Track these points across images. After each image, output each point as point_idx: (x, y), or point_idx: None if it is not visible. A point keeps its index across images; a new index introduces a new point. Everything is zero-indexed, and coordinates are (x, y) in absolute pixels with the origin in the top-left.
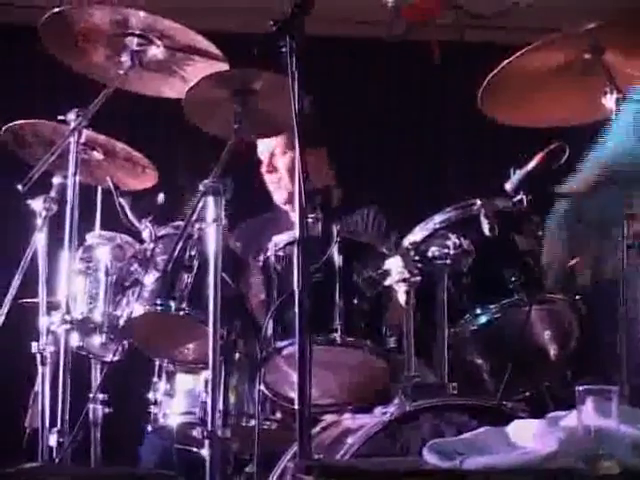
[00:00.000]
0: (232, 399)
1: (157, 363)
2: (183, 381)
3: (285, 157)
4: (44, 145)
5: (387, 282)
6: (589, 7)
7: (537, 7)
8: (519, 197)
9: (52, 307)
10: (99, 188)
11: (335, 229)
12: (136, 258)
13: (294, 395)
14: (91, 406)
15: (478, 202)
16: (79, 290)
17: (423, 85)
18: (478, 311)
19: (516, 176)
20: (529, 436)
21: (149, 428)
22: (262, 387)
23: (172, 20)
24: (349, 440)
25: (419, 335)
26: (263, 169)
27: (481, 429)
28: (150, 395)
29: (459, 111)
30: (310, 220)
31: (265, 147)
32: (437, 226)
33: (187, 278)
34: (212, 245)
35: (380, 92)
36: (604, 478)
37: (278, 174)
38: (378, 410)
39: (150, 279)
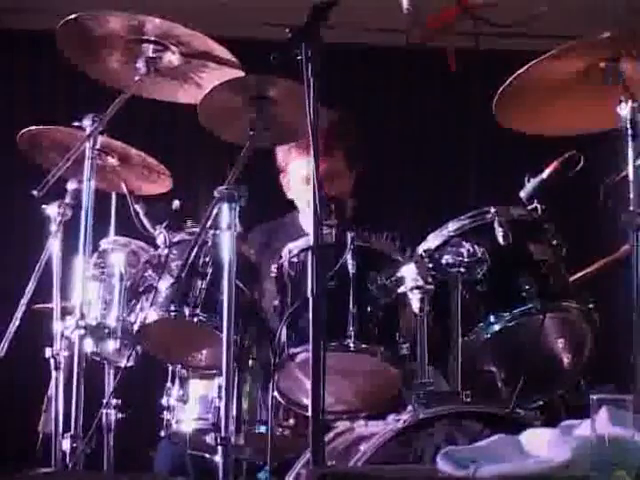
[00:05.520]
0: (245, 405)
1: (170, 369)
2: (196, 387)
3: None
4: (60, 151)
5: (401, 289)
6: (605, 15)
7: (553, 15)
8: (533, 205)
9: (66, 312)
10: (114, 194)
11: (349, 236)
12: (150, 264)
13: (307, 402)
14: (104, 411)
15: (492, 210)
16: (93, 295)
17: (441, 93)
18: (492, 319)
19: (530, 184)
20: (542, 445)
21: (162, 434)
22: (275, 393)
23: (188, 27)
24: (362, 447)
25: (432, 342)
26: None
27: (494, 437)
28: (163, 401)
29: (478, 119)
30: (325, 227)
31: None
32: (451, 234)
33: (201, 284)
34: (226, 251)
35: (396, 100)
36: None
37: None
38: (391, 417)
39: (164, 285)
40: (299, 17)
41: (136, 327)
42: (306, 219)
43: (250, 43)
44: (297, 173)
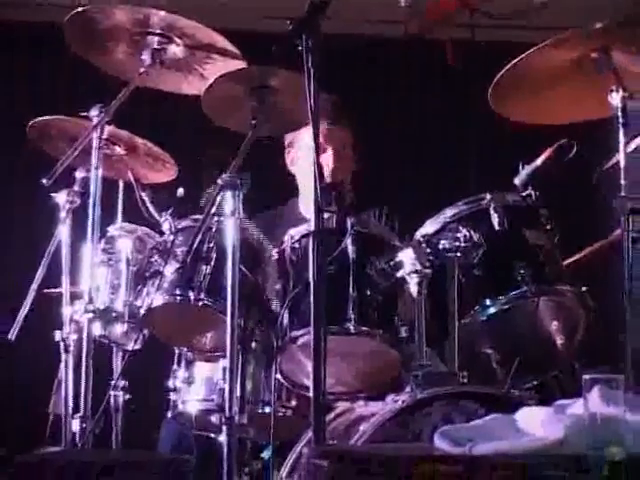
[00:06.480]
0: (249, 387)
1: (176, 351)
2: (202, 369)
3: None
4: (68, 140)
5: (399, 274)
6: (599, 7)
7: (550, 7)
8: (528, 192)
9: (75, 297)
10: (121, 182)
11: (349, 222)
12: (156, 250)
13: (309, 383)
14: (112, 393)
15: (488, 196)
16: (101, 280)
17: (440, 87)
18: (488, 302)
19: (525, 171)
20: (537, 423)
21: (168, 414)
22: (278, 375)
23: (191, 19)
24: (362, 427)
25: (430, 325)
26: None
27: (490, 416)
28: (169, 382)
29: (477, 113)
30: (325, 214)
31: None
32: (448, 219)
33: (205, 269)
34: (230, 237)
35: (394, 94)
36: (609, 464)
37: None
38: (390, 398)
39: (170, 270)
40: (298, 9)
41: (143, 311)
42: (306, 203)
43: (253, 35)
44: (305, 142)
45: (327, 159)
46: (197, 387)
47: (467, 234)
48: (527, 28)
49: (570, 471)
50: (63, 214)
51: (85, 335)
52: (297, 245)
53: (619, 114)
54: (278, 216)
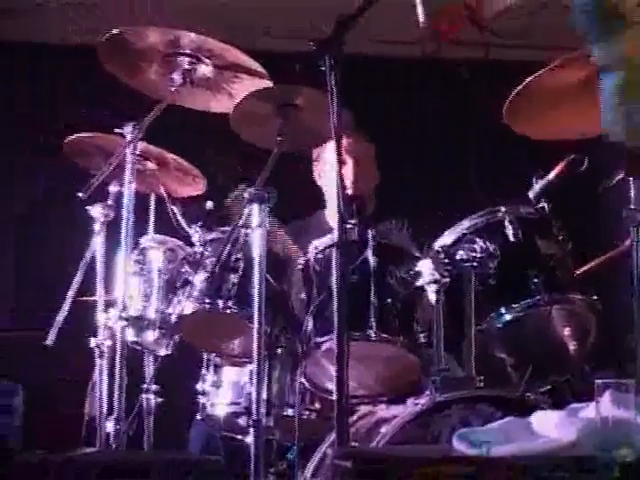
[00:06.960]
0: (275, 390)
1: (205, 357)
2: (229, 373)
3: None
4: (102, 156)
5: (419, 283)
6: None
7: (557, 27)
8: (541, 204)
9: (109, 305)
10: (152, 196)
11: (371, 234)
12: (186, 260)
13: (332, 387)
14: (144, 396)
15: (503, 209)
16: (134, 289)
17: (450, 101)
18: (503, 310)
19: (538, 185)
20: (551, 426)
21: (198, 417)
22: (302, 379)
23: (220, 40)
24: (383, 429)
25: (448, 332)
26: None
27: (506, 419)
28: (199, 386)
29: (478, 119)
30: (348, 225)
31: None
32: (465, 231)
33: (233, 278)
34: (256, 248)
35: (394, 90)
36: (620, 465)
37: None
38: (410, 401)
39: (199, 279)
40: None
41: (174, 318)
42: (332, 215)
43: (278, 55)
44: (329, 157)
45: (347, 171)
46: (225, 391)
47: (483, 245)
48: (533, 47)
49: (572, 472)
50: (98, 226)
51: (119, 341)
52: (321, 255)
53: None
54: (305, 226)
